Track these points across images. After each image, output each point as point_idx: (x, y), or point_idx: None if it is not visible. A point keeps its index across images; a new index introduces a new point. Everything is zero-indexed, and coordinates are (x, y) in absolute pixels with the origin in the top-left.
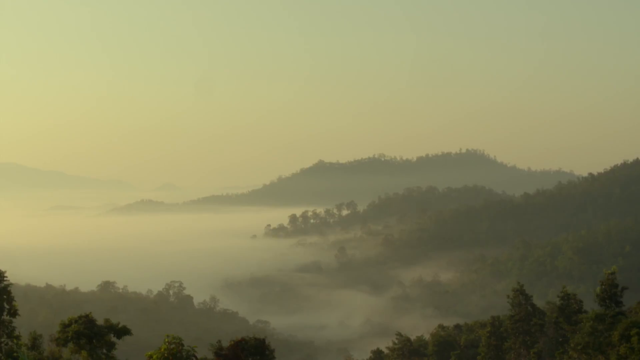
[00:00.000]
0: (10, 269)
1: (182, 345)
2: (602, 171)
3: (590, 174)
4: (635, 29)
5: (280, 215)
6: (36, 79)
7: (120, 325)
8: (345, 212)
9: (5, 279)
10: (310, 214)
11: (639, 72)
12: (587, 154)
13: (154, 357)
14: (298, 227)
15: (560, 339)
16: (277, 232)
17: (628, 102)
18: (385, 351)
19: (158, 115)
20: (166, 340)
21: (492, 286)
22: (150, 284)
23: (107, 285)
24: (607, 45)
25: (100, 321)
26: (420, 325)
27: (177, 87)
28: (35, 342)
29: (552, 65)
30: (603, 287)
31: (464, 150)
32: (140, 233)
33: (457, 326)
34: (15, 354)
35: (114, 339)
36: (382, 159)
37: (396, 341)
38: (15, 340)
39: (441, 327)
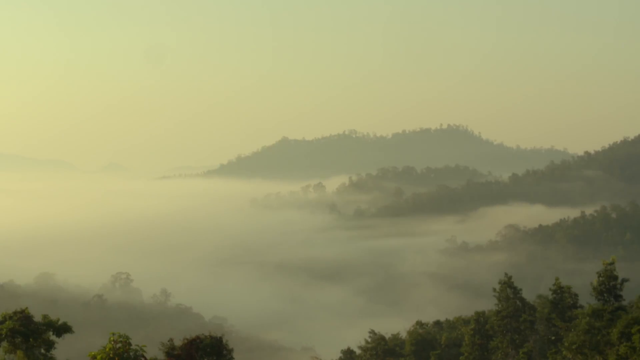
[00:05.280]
0: None
1: (130, 344)
2: (600, 149)
3: (587, 153)
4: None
5: (239, 199)
6: None
7: (60, 322)
8: (311, 195)
9: None
10: (273, 197)
11: None
12: (583, 131)
13: (98, 357)
14: (259, 211)
15: (553, 338)
16: (235, 216)
17: (629, 73)
18: (357, 351)
19: (102, 86)
20: (111, 338)
21: (478, 279)
22: (94, 276)
23: (45, 278)
24: (605, 12)
25: (37, 317)
26: (397, 323)
27: (124, 54)
28: None
29: (544, 29)
30: (601, 279)
31: (445, 126)
32: (83, 219)
33: (437, 323)
34: None
35: (53, 337)
36: (354, 136)
37: (369, 339)
38: None
39: (419, 324)
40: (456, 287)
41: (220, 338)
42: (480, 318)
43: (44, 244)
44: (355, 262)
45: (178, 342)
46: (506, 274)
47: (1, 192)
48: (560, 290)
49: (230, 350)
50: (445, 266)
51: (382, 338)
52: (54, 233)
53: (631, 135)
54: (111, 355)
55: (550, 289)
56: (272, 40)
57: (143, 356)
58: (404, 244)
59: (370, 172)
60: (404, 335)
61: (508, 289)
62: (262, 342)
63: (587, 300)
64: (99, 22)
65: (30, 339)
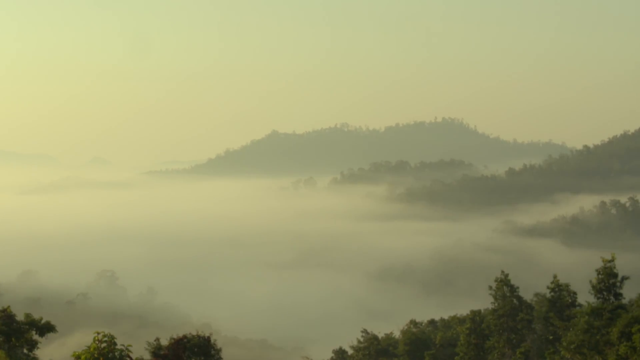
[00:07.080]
0: None
1: (115, 343)
2: (599, 143)
3: (586, 147)
4: None
5: (228, 194)
6: None
7: (43, 321)
8: (302, 190)
9: None
10: (262, 191)
11: None
12: (582, 123)
13: (82, 357)
14: (249, 207)
15: (551, 337)
16: (224, 211)
17: (629, 66)
18: (349, 351)
19: (85, 79)
20: (96, 338)
21: (473, 276)
22: (79, 274)
23: (28, 275)
24: (602, 7)
25: (20, 316)
26: (389, 321)
27: (107, 46)
28: None
29: (540, 23)
30: (600, 276)
31: (439, 119)
32: (67, 214)
33: (431, 322)
34: None
35: (36, 336)
36: (345, 129)
37: (361, 339)
38: None
39: (413, 323)
40: (452, 284)
41: (208, 337)
42: (476, 317)
43: (27, 241)
44: (354, 259)
45: (165, 342)
46: (502, 271)
47: None
48: (559, 289)
49: (219, 350)
50: (441, 262)
51: (375, 338)
52: (36, 229)
53: (631, 129)
54: (96, 355)
55: (548, 287)
56: (263, 33)
57: (129, 356)
58: (400, 242)
59: (362, 166)
60: (397, 334)
61: (505, 287)
62: (251, 341)
63: (586, 298)
64: (80, 14)
65: (13, 339)
